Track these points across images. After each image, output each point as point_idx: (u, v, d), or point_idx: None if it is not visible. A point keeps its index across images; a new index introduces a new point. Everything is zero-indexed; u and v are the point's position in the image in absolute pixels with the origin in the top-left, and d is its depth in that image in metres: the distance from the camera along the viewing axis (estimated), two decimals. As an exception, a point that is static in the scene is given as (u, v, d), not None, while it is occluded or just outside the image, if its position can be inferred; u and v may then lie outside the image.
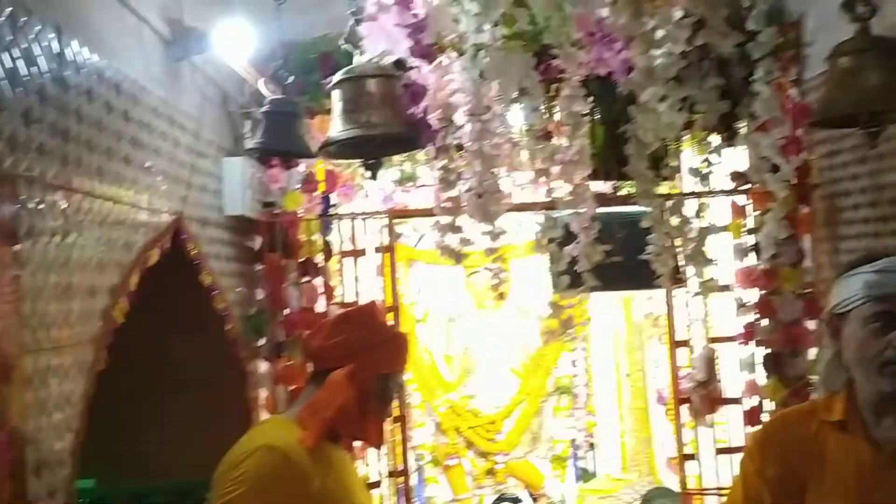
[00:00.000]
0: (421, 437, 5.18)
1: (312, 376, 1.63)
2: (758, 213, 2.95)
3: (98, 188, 1.68)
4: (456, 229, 2.04)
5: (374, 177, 1.94)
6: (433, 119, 1.96)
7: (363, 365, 1.57)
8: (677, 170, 2.83)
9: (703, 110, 1.92)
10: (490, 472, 5.17)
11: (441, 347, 5.28)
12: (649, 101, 1.64)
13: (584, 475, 5.18)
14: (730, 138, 2.28)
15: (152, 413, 2.57)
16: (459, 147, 2.06)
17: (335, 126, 1.83)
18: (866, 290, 1.37)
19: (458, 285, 5.28)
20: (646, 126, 1.72)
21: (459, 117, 2.02)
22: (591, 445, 5.22)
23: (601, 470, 5.15)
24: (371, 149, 1.90)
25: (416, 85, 1.87)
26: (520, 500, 5.13)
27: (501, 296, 2.33)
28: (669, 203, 2.56)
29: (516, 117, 2.62)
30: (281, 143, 2.08)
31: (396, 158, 3.06)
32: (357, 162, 2.12)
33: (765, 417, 2.90)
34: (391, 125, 1.81)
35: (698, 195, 2.91)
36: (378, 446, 1.66)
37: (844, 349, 1.41)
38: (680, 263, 3.17)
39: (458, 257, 2.07)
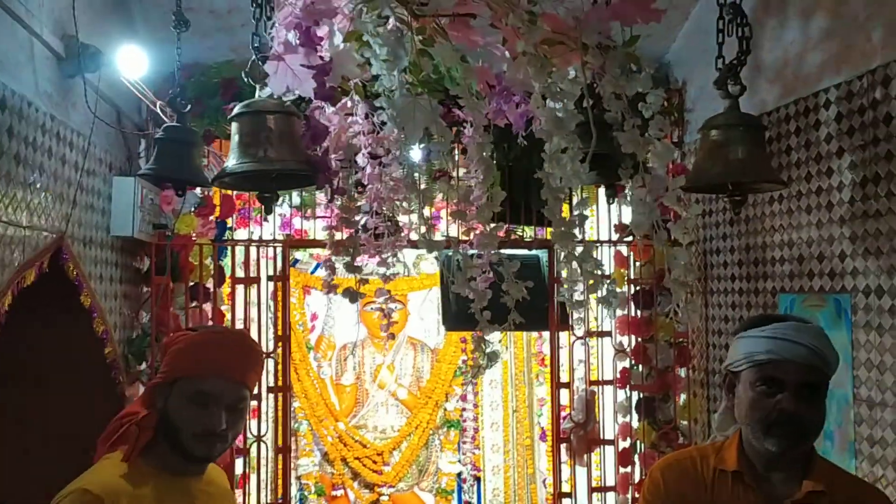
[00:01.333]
0: (307, 467, 5.12)
1: None
2: (638, 263, 3.11)
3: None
4: (354, 269, 2.07)
5: (268, 210, 1.95)
6: (333, 160, 1.98)
7: (165, 373, 1.51)
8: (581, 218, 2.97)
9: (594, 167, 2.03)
10: (375, 504, 5.16)
11: (333, 376, 5.25)
12: (554, 152, 1.73)
13: (468, 509, 5.24)
14: (612, 195, 2.41)
15: (16, 438, 2.45)
16: (359, 184, 2.09)
17: (231, 158, 1.83)
18: (753, 355, 1.47)
19: (353, 315, 5.29)
20: (555, 174, 1.81)
21: (360, 159, 2.06)
22: (477, 479, 5.29)
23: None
24: (267, 182, 1.91)
25: (318, 124, 1.90)
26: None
27: (392, 335, 2.34)
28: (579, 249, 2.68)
29: (416, 156, 2.70)
30: (174, 171, 2.05)
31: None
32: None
33: (636, 458, 3.05)
34: (288, 162, 1.82)
35: (582, 242, 3.06)
36: (205, 460, 1.54)
37: (737, 405, 1.51)
38: (573, 307, 3.32)
39: (352, 296, 2.10)
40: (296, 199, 3.96)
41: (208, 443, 1.49)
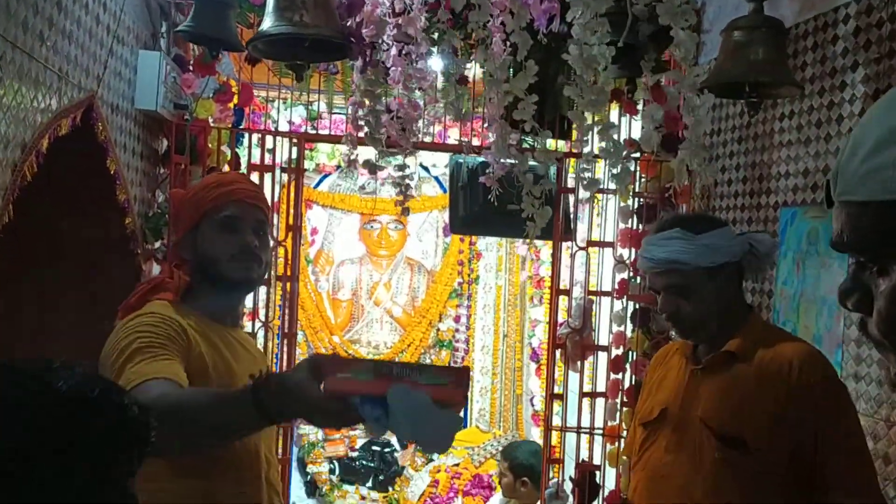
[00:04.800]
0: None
1: None
2: (644, 178, 3.19)
3: (21, 39, 1.66)
4: (375, 141, 2.13)
5: (299, 78, 1.99)
6: (366, 33, 2.02)
7: (186, 221, 1.60)
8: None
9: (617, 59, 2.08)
10: (364, 417, 5.30)
11: (329, 291, 5.35)
12: (580, 36, 1.78)
13: (453, 426, 5.39)
14: (632, 90, 2.46)
15: (32, 293, 2.52)
16: (385, 72, 2.14)
17: (267, 21, 1.87)
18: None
19: (353, 232, 5.37)
20: (577, 57, 1.87)
21: (387, 39, 2.10)
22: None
23: (471, 423, 5.39)
24: (301, 51, 1.94)
25: (355, -5, 1.94)
26: (390, 444, 5.29)
27: (407, 210, 2.41)
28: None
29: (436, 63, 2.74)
30: (211, 30, 2.08)
31: (305, 97, 3.08)
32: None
33: (627, 366, 3.17)
34: (323, 29, 1.86)
35: (595, 157, 3.12)
36: (246, 283, 1.63)
37: None
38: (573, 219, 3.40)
39: (372, 168, 2.16)
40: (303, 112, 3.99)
41: (246, 263, 1.58)
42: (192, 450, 1.33)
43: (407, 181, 2.24)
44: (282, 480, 2.59)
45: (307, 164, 4.91)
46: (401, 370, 1.12)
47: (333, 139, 3.00)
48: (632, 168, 2.00)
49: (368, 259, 5.41)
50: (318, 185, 5.26)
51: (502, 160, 3.02)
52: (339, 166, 5.07)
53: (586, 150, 3.05)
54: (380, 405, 1.07)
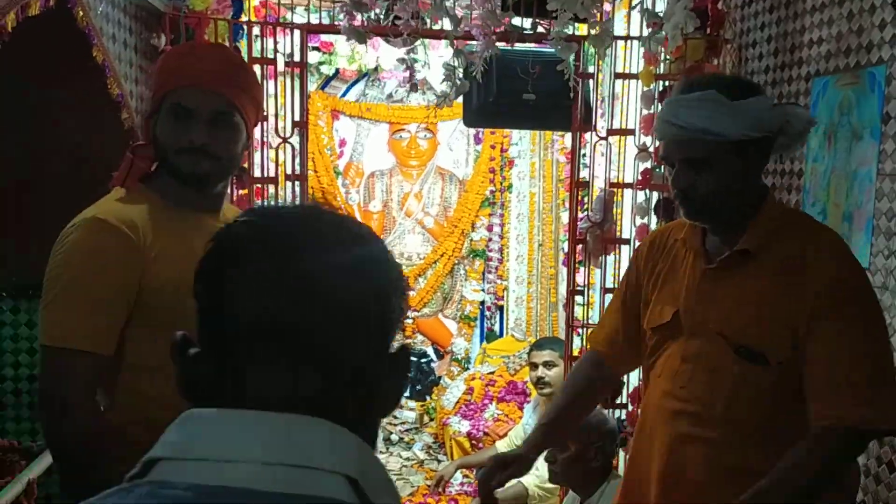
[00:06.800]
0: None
1: None
2: (668, 59, 2.98)
3: None
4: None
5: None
6: None
7: (152, 96, 1.50)
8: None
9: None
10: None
11: (360, 203, 5.29)
12: None
13: (490, 336, 5.38)
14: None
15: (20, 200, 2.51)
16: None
17: None
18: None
19: (382, 142, 5.26)
20: None
21: None
22: (500, 308, 5.40)
23: (507, 332, 5.35)
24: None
25: None
26: (426, 355, 5.31)
27: (415, 86, 2.29)
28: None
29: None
30: None
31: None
32: None
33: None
34: None
35: (615, 38, 2.93)
36: (195, 179, 1.47)
37: None
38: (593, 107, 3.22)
39: (360, 37, 2.04)
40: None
41: (192, 158, 1.45)
42: None
43: (413, 60, 2.11)
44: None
45: (328, 70, 4.80)
46: None
47: (333, 29, 2.87)
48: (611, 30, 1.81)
49: (399, 169, 5.32)
50: (344, 94, 5.14)
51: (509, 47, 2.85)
52: (361, 71, 4.93)
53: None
54: None
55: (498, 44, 2.77)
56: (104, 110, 2.45)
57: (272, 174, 3.01)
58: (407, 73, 2.61)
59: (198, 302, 0.65)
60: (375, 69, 4.88)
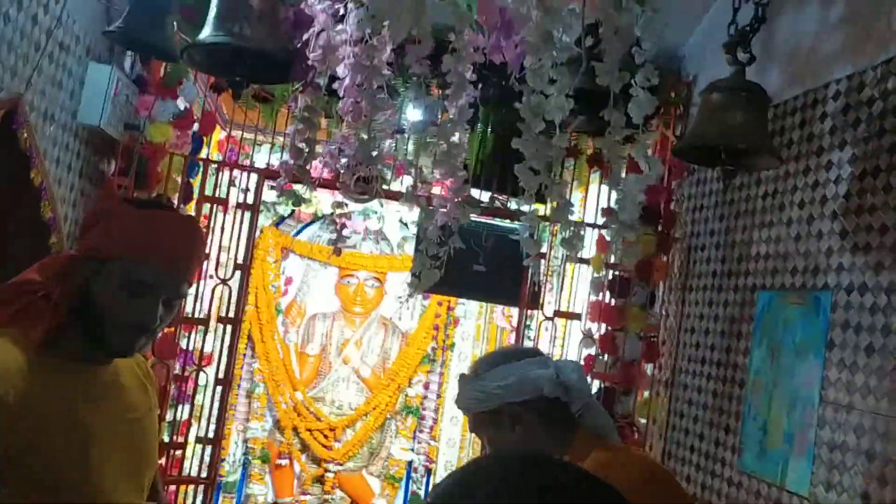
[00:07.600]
0: (257, 431, 4.97)
1: None
2: (620, 250, 3.00)
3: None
4: (305, 173, 1.96)
5: (237, 97, 1.84)
6: (312, 59, 1.88)
7: (96, 248, 1.31)
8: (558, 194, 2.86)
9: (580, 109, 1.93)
10: (319, 480, 5.00)
11: (298, 344, 5.12)
12: (536, 68, 1.63)
13: (413, 500, 5.08)
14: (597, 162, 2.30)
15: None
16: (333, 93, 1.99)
17: (205, 30, 1.72)
18: None
19: (329, 285, 5.17)
20: (533, 109, 1.71)
21: (341, 69, 1.95)
22: (428, 471, 5.14)
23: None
24: (241, 67, 1.79)
25: (302, 13, 1.79)
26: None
27: (339, 251, 2.23)
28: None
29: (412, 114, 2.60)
30: (143, 34, 1.92)
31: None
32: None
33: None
34: (266, 42, 1.72)
35: (571, 224, 2.95)
36: (123, 355, 1.35)
37: (529, 438, 1.52)
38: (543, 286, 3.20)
39: (299, 201, 1.99)
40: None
41: (133, 337, 1.32)
42: None
43: (344, 221, 2.06)
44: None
45: (283, 210, 4.77)
46: None
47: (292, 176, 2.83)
48: (583, 234, 1.82)
49: (342, 314, 5.19)
50: (298, 233, 5.09)
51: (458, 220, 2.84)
52: (317, 215, 4.92)
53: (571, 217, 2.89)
54: None
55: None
56: (31, 228, 2.32)
57: (205, 313, 2.87)
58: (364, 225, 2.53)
59: None
60: (331, 214, 4.86)
